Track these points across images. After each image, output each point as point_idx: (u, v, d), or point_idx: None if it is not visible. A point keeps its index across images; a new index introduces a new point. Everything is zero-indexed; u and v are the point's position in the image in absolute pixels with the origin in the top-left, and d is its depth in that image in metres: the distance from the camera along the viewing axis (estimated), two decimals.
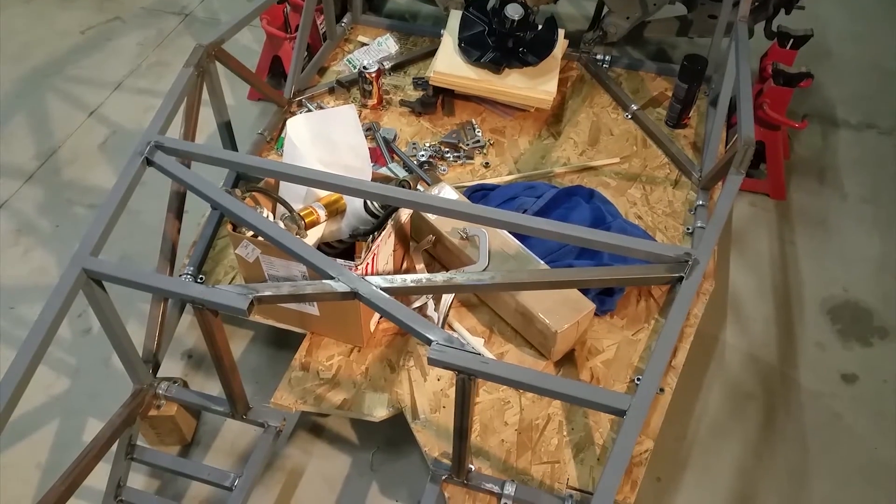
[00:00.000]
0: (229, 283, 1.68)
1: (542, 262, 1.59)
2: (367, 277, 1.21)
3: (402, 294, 1.22)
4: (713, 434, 1.60)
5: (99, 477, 1.34)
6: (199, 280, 1.66)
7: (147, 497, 1.40)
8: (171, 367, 1.70)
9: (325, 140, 1.63)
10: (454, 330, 1.61)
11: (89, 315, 1.80)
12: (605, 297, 1.62)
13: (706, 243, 1.30)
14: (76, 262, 1.21)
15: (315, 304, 1.52)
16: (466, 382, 1.14)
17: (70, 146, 2.25)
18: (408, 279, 1.23)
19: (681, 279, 1.23)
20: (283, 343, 1.71)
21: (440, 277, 1.25)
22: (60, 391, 1.67)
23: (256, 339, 1.76)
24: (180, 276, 1.64)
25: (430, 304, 1.60)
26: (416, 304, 1.59)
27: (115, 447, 1.38)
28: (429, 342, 1.12)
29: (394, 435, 1.58)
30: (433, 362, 1.10)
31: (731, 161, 1.50)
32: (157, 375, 1.50)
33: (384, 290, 1.19)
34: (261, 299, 1.19)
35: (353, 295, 1.19)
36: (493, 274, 1.30)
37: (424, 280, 1.25)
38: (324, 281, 1.21)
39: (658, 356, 1.12)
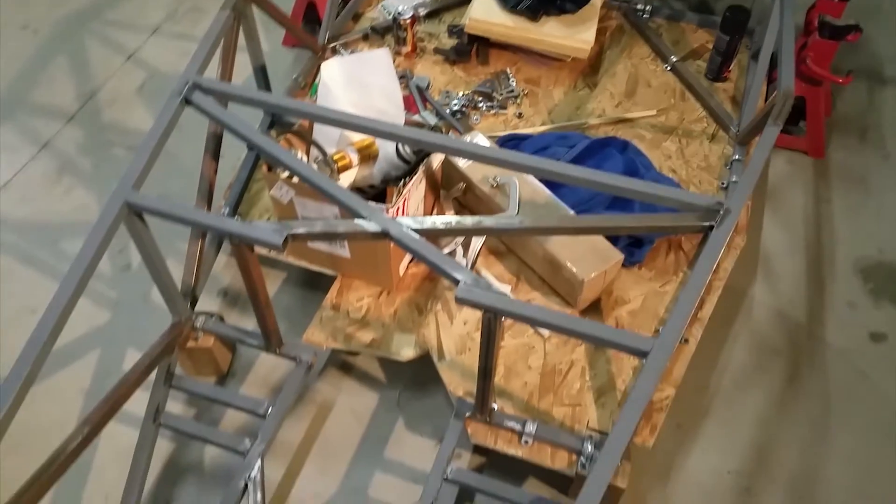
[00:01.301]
0: None
1: (572, 211, 1.59)
2: (397, 218, 1.24)
3: (432, 236, 1.24)
4: (736, 386, 1.61)
5: (138, 403, 1.40)
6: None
7: (184, 421, 1.46)
8: (207, 303, 1.75)
9: (359, 84, 1.64)
10: (482, 276, 1.63)
11: (129, 251, 1.86)
12: (633, 249, 1.62)
13: (739, 194, 1.29)
14: (118, 196, 1.25)
15: (346, 246, 1.55)
16: (492, 322, 1.17)
17: (109, 89, 2.29)
18: (437, 221, 1.25)
19: (711, 228, 1.23)
20: (314, 285, 1.75)
21: (469, 221, 1.27)
22: (101, 323, 1.74)
23: (289, 280, 1.81)
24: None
25: (459, 250, 1.62)
26: (446, 251, 1.61)
27: (153, 376, 1.45)
28: (456, 282, 1.14)
29: (420, 375, 1.62)
30: (461, 301, 1.13)
31: (769, 114, 1.48)
32: (195, 310, 1.55)
33: (414, 230, 1.22)
34: (295, 236, 1.22)
35: (384, 235, 1.22)
36: (522, 218, 1.32)
37: (454, 223, 1.27)
38: (356, 220, 1.23)
39: (683, 303, 1.13)
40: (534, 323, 1.14)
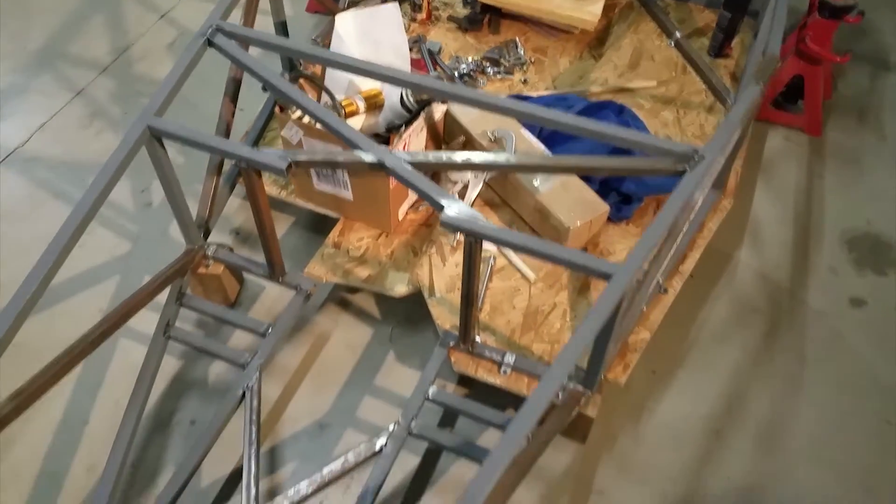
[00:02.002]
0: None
1: None
2: (393, 151, 1.34)
3: (425, 168, 1.33)
4: (714, 339, 1.68)
5: (149, 324, 1.52)
6: None
7: (191, 335, 1.58)
8: (219, 240, 1.87)
9: (371, 40, 1.74)
10: None
11: (151, 191, 1.99)
12: (622, 205, 1.70)
13: (715, 143, 1.36)
14: (142, 120, 1.37)
15: (349, 188, 1.66)
16: (473, 246, 1.26)
17: (142, 45, 2.43)
18: (430, 155, 1.35)
19: (684, 172, 1.31)
20: (319, 229, 1.86)
21: (460, 156, 1.36)
22: (122, 253, 1.87)
23: (297, 223, 1.92)
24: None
25: (456, 197, 1.72)
26: None
27: (166, 296, 1.57)
28: (441, 207, 1.24)
29: (412, 314, 1.72)
30: (445, 225, 1.22)
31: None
32: (207, 240, 1.67)
33: (409, 163, 1.32)
34: (298, 163, 1.33)
35: (380, 166, 1.32)
36: (508, 156, 1.41)
37: (445, 157, 1.37)
38: (354, 151, 1.34)
39: (647, 238, 1.21)
40: (510, 246, 1.23)
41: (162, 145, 1.42)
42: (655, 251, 1.25)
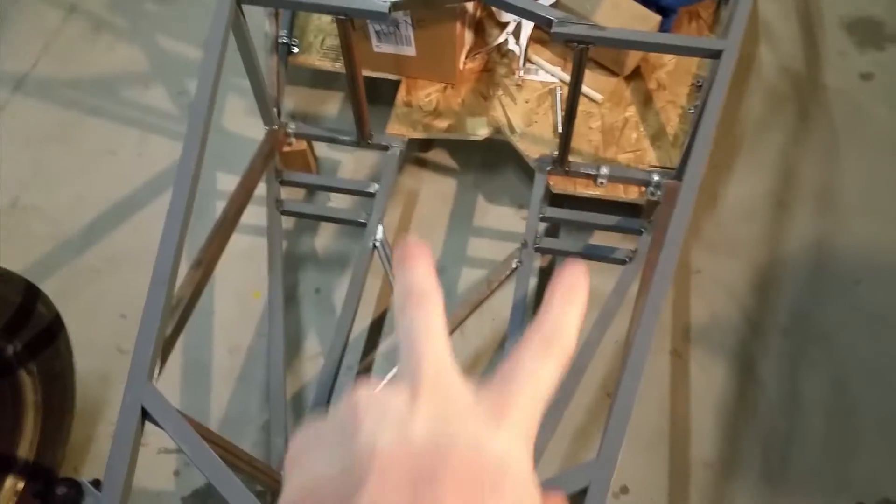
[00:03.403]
0: (320, 46, 1.85)
1: None
2: None
3: None
4: (757, 128, 1.87)
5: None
6: (293, 43, 1.82)
7: (304, 205, 1.63)
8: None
9: None
10: (533, 63, 1.80)
11: (188, 92, 1.95)
12: (662, 19, 1.82)
13: None
14: None
15: (412, 43, 1.69)
16: (583, 53, 1.36)
17: None
18: None
19: None
20: (373, 99, 1.89)
21: None
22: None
23: (349, 98, 1.94)
24: (278, 38, 1.79)
25: (511, 38, 1.79)
26: (498, 41, 1.78)
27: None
28: (550, 22, 1.32)
29: (487, 160, 1.81)
30: (557, 36, 1.31)
31: None
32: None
33: None
34: (396, 5, 1.36)
35: None
36: None
37: None
38: None
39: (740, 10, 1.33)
40: (623, 45, 1.34)
41: (243, 16, 1.41)
42: None
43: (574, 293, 0.37)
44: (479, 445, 0.30)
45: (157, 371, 0.99)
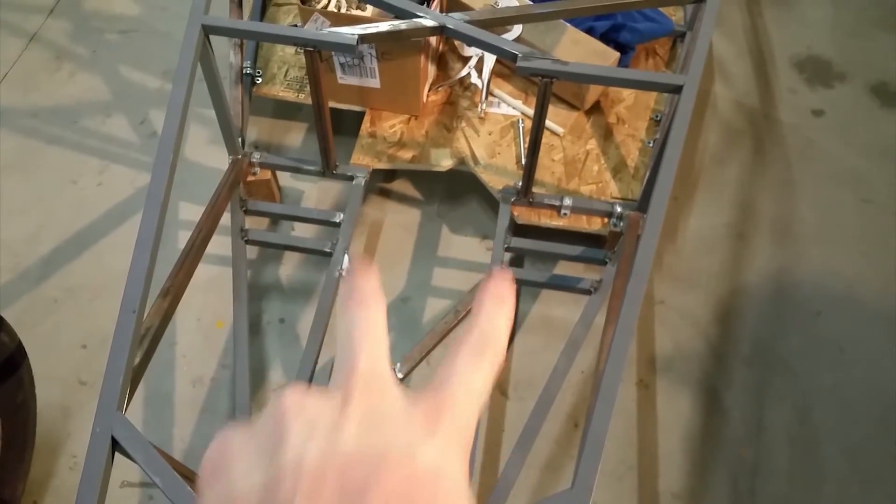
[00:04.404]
0: (284, 77, 1.85)
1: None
2: (450, 14, 1.41)
3: (482, 25, 1.42)
4: (715, 162, 1.92)
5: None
6: (257, 74, 1.82)
7: (269, 234, 1.61)
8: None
9: None
10: (496, 96, 1.83)
11: (150, 121, 1.93)
12: (621, 56, 1.87)
13: None
14: (194, 20, 1.35)
15: (377, 75, 1.71)
16: (547, 87, 1.38)
17: None
18: (483, 13, 1.44)
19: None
20: (337, 130, 1.90)
21: (510, 10, 1.47)
22: (143, 184, 1.82)
23: (311, 129, 1.94)
24: (243, 69, 1.79)
25: (473, 73, 1.82)
26: (461, 75, 1.81)
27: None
28: (515, 57, 1.34)
29: (451, 190, 1.83)
30: (522, 70, 1.33)
31: None
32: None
33: (467, 22, 1.40)
34: (364, 37, 1.37)
35: (441, 29, 1.40)
36: (558, 3, 1.51)
37: (498, 14, 1.46)
38: (414, 19, 1.40)
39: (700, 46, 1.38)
40: (587, 80, 1.37)
41: (210, 47, 1.41)
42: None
43: (502, 301, 0.36)
44: (411, 454, 0.29)
45: (126, 401, 0.96)
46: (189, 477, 0.96)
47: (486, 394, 0.34)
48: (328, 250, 1.54)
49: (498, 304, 0.36)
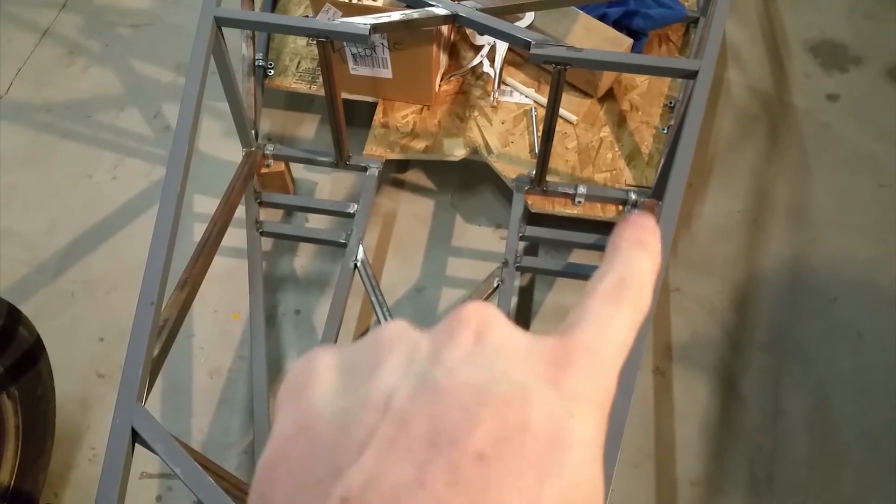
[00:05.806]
0: (296, 69, 1.85)
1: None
2: (461, 2, 1.41)
3: (494, 13, 1.41)
4: (729, 148, 1.90)
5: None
6: (269, 66, 1.82)
7: (283, 226, 1.62)
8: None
9: None
10: (508, 85, 1.83)
11: (163, 114, 1.94)
12: (634, 42, 1.86)
13: None
14: (206, 12, 1.35)
15: (388, 66, 1.71)
16: (561, 74, 1.38)
17: None
18: (496, 1, 1.43)
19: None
20: (349, 121, 1.90)
21: None
22: (157, 178, 1.83)
23: (324, 120, 1.95)
24: (255, 61, 1.79)
25: (486, 61, 1.81)
26: (473, 64, 1.80)
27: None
28: (528, 44, 1.34)
29: (465, 180, 1.82)
30: (536, 57, 1.32)
31: None
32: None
33: (479, 10, 1.39)
34: (376, 27, 1.37)
35: (454, 17, 1.39)
36: None
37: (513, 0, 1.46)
38: (426, 8, 1.40)
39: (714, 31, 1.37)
40: (601, 66, 1.36)
41: (223, 39, 1.41)
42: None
43: (643, 245, 0.29)
44: (525, 399, 0.23)
45: (146, 392, 0.97)
46: (208, 467, 0.97)
47: (627, 348, 0.27)
48: (343, 241, 1.54)
49: (639, 248, 0.29)
